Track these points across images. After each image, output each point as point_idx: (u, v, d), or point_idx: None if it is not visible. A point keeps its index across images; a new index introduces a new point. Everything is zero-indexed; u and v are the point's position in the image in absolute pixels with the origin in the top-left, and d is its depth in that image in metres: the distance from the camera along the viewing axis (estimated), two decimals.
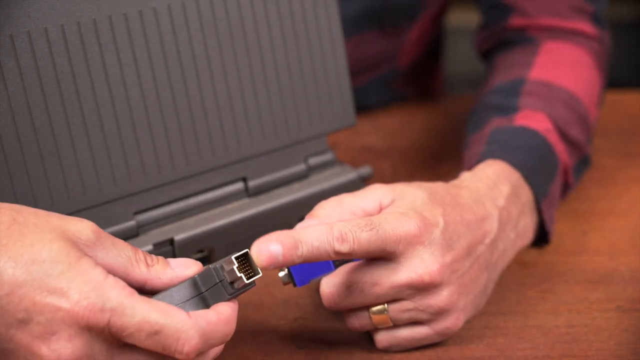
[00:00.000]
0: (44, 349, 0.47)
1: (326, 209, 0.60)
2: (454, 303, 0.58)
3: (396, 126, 0.94)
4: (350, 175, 0.70)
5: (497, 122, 0.74)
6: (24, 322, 0.47)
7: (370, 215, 0.59)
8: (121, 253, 0.51)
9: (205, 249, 0.64)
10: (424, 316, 0.58)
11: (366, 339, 0.62)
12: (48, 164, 0.58)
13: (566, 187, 0.75)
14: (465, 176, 0.66)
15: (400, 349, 0.60)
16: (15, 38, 0.56)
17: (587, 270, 0.70)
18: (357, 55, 0.88)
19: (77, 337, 0.47)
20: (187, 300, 0.51)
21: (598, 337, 0.62)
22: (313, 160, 0.70)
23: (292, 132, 0.68)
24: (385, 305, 0.58)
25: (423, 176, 0.82)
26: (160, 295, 0.51)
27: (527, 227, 0.67)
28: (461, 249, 0.59)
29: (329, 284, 0.58)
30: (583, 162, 0.77)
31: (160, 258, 0.52)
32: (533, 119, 0.73)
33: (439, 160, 0.87)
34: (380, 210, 0.59)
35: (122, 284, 0.48)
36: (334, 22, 0.69)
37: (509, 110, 0.75)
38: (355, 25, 0.89)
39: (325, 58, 0.69)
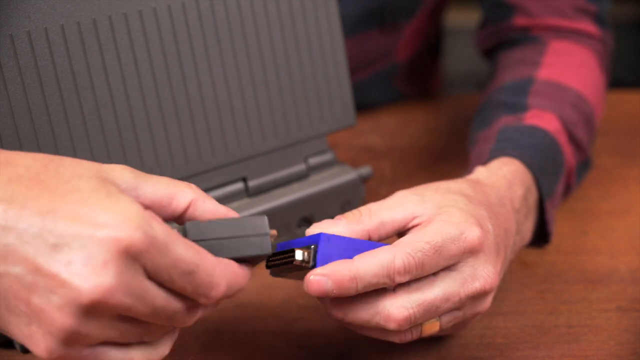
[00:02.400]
0: (75, 278, 0.43)
1: (355, 215, 0.56)
2: (490, 301, 0.58)
3: (396, 126, 0.94)
4: (350, 175, 0.70)
5: (506, 120, 0.74)
6: (56, 249, 0.44)
7: (401, 227, 0.56)
8: (160, 181, 0.49)
9: None
10: (465, 320, 0.57)
11: (366, 339, 0.62)
12: None
13: (568, 189, 0.75)
14: (481, 172, 0.65)
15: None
16: (15, 38, 0.56)
17: (587, 270, 0.70)
18: (356, 53, 0.88)
19: (113, 264, 0.44)
20: (225, 238, 0.49)
21: (598, 337, 0.62)
22: (313, 160, 0.70)
23: (292, 132, 0.68)
24: (438, 320, 0.56)
25: (423, 176, 0.82)
26: (198, 222, 0.49)
27: (528, 230, 0.67)
28: (502, 254, 0.59)
29: (400, 307, 0.54)
30: (584, 164, 0.77)
31: (198, 188, 0.51)
32: (543, 119, 0.73)
33: (439, 160, 0.87)
34: (412, 220, 0.56)
35: (160, 219, 0.46)
36: (334, 22, 0.69)
37: (518, 108, 0.75)
38: (355, 24, 0.89)
39: (325, 58, 0.69)
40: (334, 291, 0.51)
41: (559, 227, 0.75)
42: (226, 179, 0.66)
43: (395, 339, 0.55)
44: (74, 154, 0.59)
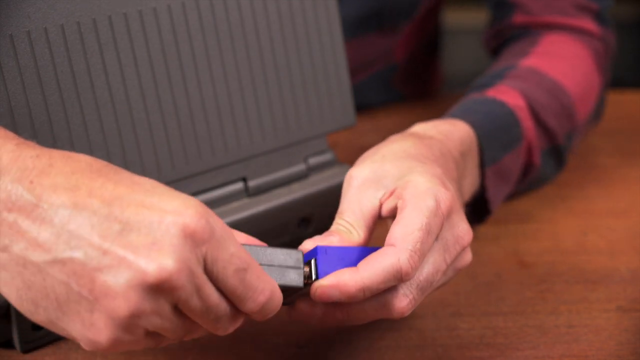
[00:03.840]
0: (142, 260, 0.44)
1: (344, 232, 0.57)
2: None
3: (396, 126, 0.94)
4: None
5: (470, 96, 0.75)
6: (122, 233, 0.45)
7: (376, 215, 0.57)
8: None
9: None
10: (450, 278, 0.58)
11: (367, 338, 0.62)
12: None
13: (530, 168, 0.74)
14: (419, 127, 0.66)
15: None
16: (15, 38, 0.56)
17: (587, 270, 0.70)
18: (355, 56, 0.88)
19: (179, 248, 0.44)
20: (261, 265, 0.51)
21: (598, 337, 0.62)
22: (313, 160, 0.70)
23: (292, 132, 0.68)
24: None
25: None
26: (249, 247, 0.50)
27: (466, 188, 0.67)
28: (462, 204, 0.60)
29: (401, 295, 0.54)
30: (554, 152, 0.77)
31: None
32: (505, 93, 0.74)
33: None
34: (381, 204, 0.57)
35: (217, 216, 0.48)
36: (334, 22, 0.69)
37: (486, 86, 0.76)
38: (354, 27, 0.89)
39: (325, 58, 0.69)
40: (342, 300, 0.52)
41: (559, 227, 0.75)
42: (226, 179, 0.66)
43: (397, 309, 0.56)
44: None
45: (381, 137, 0.90)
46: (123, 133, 0.61)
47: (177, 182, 0.64)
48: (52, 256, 0.45)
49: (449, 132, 0.66)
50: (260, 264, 0.51)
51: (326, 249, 0.53)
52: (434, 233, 0.54)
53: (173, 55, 0.62)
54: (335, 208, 0.70)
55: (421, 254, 0.53)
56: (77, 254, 0.45)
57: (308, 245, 0.55)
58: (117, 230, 0.45)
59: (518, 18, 0.86)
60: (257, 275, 0.47)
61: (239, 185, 0.67)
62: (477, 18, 0.91)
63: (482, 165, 0.69)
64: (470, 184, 0.68)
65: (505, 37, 0.88)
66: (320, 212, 0.69)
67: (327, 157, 0.70)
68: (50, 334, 0.60)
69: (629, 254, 0.72)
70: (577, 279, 0.69)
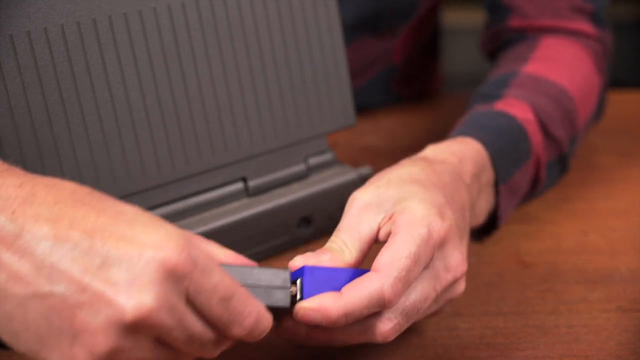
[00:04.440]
0: (121, 297, 0.44)
1: (337, 251, 0.57)
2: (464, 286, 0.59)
3: (396, 126, 0.94)
4: (350, 175, 0.70)
5: (478, 108, 0.75)
6: (102, 268, 0.44)
7: (373, 239, 0.57)
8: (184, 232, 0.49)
9: None
10: (440, 308, 0.58)
11: None
12: (48, 164, 0.58)
13: (536, 183, 0.74)
14: (430, 150, 0.66)
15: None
16: (15, 38, 0.56)
17: (587, 270, 0.70)
18: (353, 59, 0.88)
19: (158, 284, 0.44)
20: (248, 285, 0.51)
21: (598, 337, 0.62)
22: (313, 160, 0.70)
23: (292, 132, 0.68)
24: None
25: None
26: (225, 266, 0.50)
27: (480, 209, 0.67)
28: (464, 235, 0.59)
29: (385, 319, 0.54)
30: (559, 161, 0.77)
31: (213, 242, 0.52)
32: (513, 106, 0.73)
33: None
34: (379, 229, 0.57)
35: (201, 243, 0.48)
36: (334, 22, 0.69)
37: (492, 97, 0.76)
38: (351, 31, 0.89)
39: (325, 58, 0.69)
40: (324, 324, 0.52)
41: (559, 227, 0.75)
42: (226, 179, 0.66)
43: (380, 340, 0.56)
44: (74, 154, 0.59)
45: (381, 137, 0.89)
46: (123, 133, 0.61)
47: (177, 182, 0.64)
48: (32, 290, 0.44)
49: (462, 153, 0.66)
50: (247, 285, 0.50)
51: (313, 269, 0.53)
52: (423, 262, 0.54)
53: (173, 55, 0.62)
54: (335, 208, 0.70)
55: (406, 282, 0.53)
56: (58, 289, 0.44)
57: (298, 262, 0.55)
58: (98, 265, 0.44)
59: (514, 21, 0.86)
60: (242, 300, 0.47)
61: (239, 185, 0.67)
62: (476, 18, 0.91)
63: (496, 183, 0.68)
64: (486, 203, 0.68)
65: (501, 40, 0.88)
66: (320, 212, 0.69)
67: (327, 157, 0.70)
68: None
69: (630, 254, 0.72)
70: (577, 279, 0.69)
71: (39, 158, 0.58)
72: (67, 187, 0.47)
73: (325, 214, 0.70)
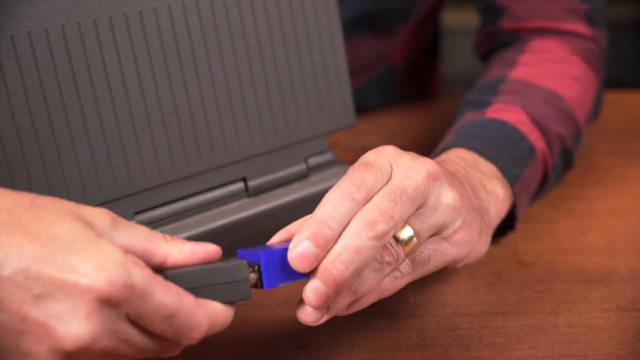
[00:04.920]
0: (60, 328, 0.45)
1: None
2: (461, 203, 0.57)
3: (396, 126, 0.94)
4: None
5: (469, 116, 0.74)
6: (40, 299, 0.45)
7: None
8: (137, 232, 0.50)
9: None
10: (439, 219, 0.56)
11: (367, 338, 0.62)
12: (48, 164, 0.58)
13: (545, 180, 0.74)
14: None
15: (423, 275, 0.58)
16: (16, 38, 0.56)
17: (587, 270, 0.70)
18: (352, 58, 0.88)
19: (95, 314, 0.46)
20: (205, 286, 0.51)
21: (598, 337, 0.62)
22: (313, 160, 0.70)
23: (292, 132, 0.68)
24: (409, 227, 0.55)
25: None
26: (178, 272, 0.50)
27: (497, 192, 0.66)
28: (450, 169, 0.60)
29: (371, 206, 0.53)
30: (564, 156, 0.76)
31: (175, 237, 0.52)
32: (504, 112, 0.73)
33: None
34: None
35: (142, 263, 0.48)
36: (334, 22, 0.69)
37: (483, 104, 0.75)
38: (349, 29, 0.89)
39: (325, 58, 0.69)
40: (316, 247, 0.51)
41: (558, 227, 0.75)
42: (226, 179, 0.66)
43: (387, 260, 0.54)
44: (74, 154, 0.59)
45: (381, 137, 0.90)
46: (123, 133, 0.61)
47: (177, 182, 0.64)
48: None
49: (447, 155, 0.67)
50: (205, 285, 0.50)
51: (269, 254, 0.52)
52: (377, 168, 0.54)
53: (173, 55, 0.62)
54: None
55: (361, 177, 0.53)
56: (2, 317, 0.46)
57: (276, 238, 0.55)
58: (35, 295, 0.45)
59: (506, 23, 0.85)
60: (187, 315, 0.48)
61: (239, 185, 0.67)
62: (476, 18, 0.91)
63: (508, 179, 0.68)
64: (503, 190, 0.67)
65: (494, 42, 0.87)
66: None
67: (327, 157, 0.70)
68: None
69: (629, 254, 0.72)
70: (576, 278, 0.69)
71: (39, 158, 0.58)
72: (4, 206, 0.47)
73: None
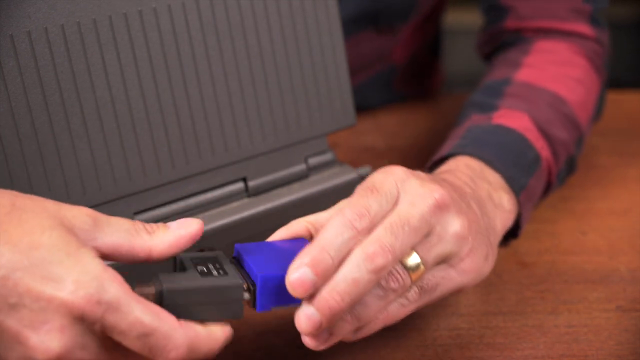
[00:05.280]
0: (33, 338, 0.46)
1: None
2: (468, 231, 0.56)
3: (396, 126, 0.94)
4: (350, 175, 0.70)
5: (476, 119, 0.74)
6: (15, 308, 0.46)
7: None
8: (120, 228, 0.50)
9: (205, 249, 0.64)
10: (446, 248, 0.56)
11: (367, 338, 0.62)
12: (48, 164, 0.58)
13: (549, 187, 0.74)
14: (423, 173, 0.65)
15: (430, 302, 0.58)
16: (16, 38, 0.56)
17: (587, 270, 0.70)
18: (352, 55, 0.88)
19: (68, 328, 0.46)
20: (200, 304, 0.51)
21: (598, 337, 0.62)
22: (313, 160, 0.70)
23: (292, 132, 0.68)
24: (416, 253, 0.54)
25: None
26: (174, 289, 0.50)
27: (503, 203, 0.66)
28: (453, 186, 0.59)
29: (373, 239, 0.52)
30: (567, 161, 0.76)
31: (160, 224, 0.52)
32: (511, 118, 0.73)
33: None
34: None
35: (120, 279, 0.48)
36: (334, 22, 0.69)
37: (489, 108, 0.75)
38: (350, 26, 0.89)
39: (325, 58, 0.69)
40: (315, 275, 0.50)
41: (558, 227, 0.75)
42: (226, 179, 0.66)
43: (393, 288, 0.54)
44: (74, 154, 0.59)
45: (381, 137, 0.90)
46: (123, 133, 0.61)
47: (177, 182, 0.64)
48: None
49: (455, 165, 0.66)
50: (199, 303, 0.50)
51: (266, 278, 0.52)
52: (383, 193, 0.53)
53: (173, 55, 0.62)
54: None
55: (365, 205, 0.52)
56: None
57: (276, 235, 0.55)
58: (10, 304, 0.46)
59: (510, 23, 0.85)
60: (164, 335, 0.48)
61: (239, 185, 0.67)
62: (477, 18, 0.91)
63: (513, 189, 0.68)
64: (509, 200, 0.67)
65: (497, 42, 0.87)
66: (320, 212, 0.69)
67: (327, 157, 0.70)
68: None
69: (629, 254, 0.72)
70: (577, 279, 0.69)
71: (39, 158, 0.58)
72: None
73: None
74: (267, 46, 0.66)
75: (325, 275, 0.51)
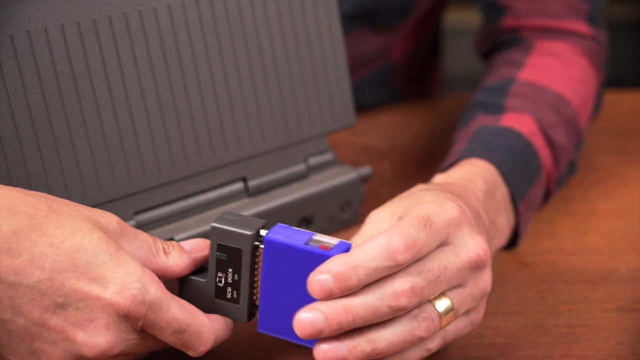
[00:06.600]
0: (79, 335, 0.49)
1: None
2: (490, 285, 0.57)
3: (396, 126, 0.94)
4: (350, 175, 0.70)
5: (482, 120, 0.74)
6: (62, 307, 0.49)
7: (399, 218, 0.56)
8: (143, 244, 0.53)
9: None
10: (473, 303, 0.56)
11: None
12: (48, 164, 0.58)
13: (547, 195, 0.74)
14: (438, 178, 0.65)
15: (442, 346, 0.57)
16: (15, 38, 0.56)
17: (587, 270, 0.70)
18: (350, 52, 0.88)
19: (114, 326, 0.50)
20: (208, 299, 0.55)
21: (598, 337, 0.62)
22: (313, 160, 0.70)
23: (292, 132, 0.68)
24: (450, 300, 0.54)
25: (423, 176, 0.82)
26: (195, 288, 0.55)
27: (502, 226, 0.66)
28: (483, 231, 0.59)
29: (403, 280, 0.51)
30: (568, 166, 0.76)
31: (175, 244, 0.55)
32: (519, 121, 0.73)
33: (439, 160, 0.86)
34: None
35: (157, 279, 0.51)
36: (334, 22, 0.69)
37: (495, 109, 0.75)
38: (347, 23, 0.89)
39: (325, 58, 0.69)
40: (337, 288, 0.50)
41: (558, 227, 0.75)
42: (226, 179, 0.66)
43: (424, 334, 0.52)
44: (74, 154, 0.59)
45: (381, 137, 0.90)
46: (123, 133, 0.61)
47: (177, 182, 0.64)
48: None
49: (470, 174, 0.65)
50: (210, 299, 0.55)
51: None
52: (436, 231, 0.53)
53: (173, 55, 0.62)
54: (335, 208, 0.70)
55: (415, 239, 0.51)
56: (19, 320, 0.49)
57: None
58: (57, 304, 0.49)
59: (508, 21, 0.85)
60: (197, 330, 0.52)
61: (239, 185, 0.67)
62: (477, 18, 0.91)
63: (514, 201, 0.67)
64: (507, 219, 0.67)
65: (495, 40, 0.87)
66: (320, 212, 0.69)
67: (327, 157, 0.70)
68: None
69: (629, 254, 0.72)
70: (577, 279, 0.69)
71: (39, 158, 0.58)
72: (23, 211, 0.49)
73: (325, 214, 0.70)
74: (267, 46, 0.66)
75: (345, 291, 0.51)
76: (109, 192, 0.61)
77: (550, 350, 0.61)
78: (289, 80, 0.67)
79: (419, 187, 0.61)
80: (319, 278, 0.51)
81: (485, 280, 0.56)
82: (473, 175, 0.65)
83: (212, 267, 0.55)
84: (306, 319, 0.51)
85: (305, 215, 0.69)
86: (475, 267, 0.55)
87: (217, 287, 0.55)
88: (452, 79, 1.29)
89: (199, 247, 0.55)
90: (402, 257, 0.51)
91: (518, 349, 0.61)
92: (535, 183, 0.70)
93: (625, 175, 0.84)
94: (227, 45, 0.64)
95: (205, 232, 0.64)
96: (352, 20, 0.89)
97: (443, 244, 0.54)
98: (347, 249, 0.52)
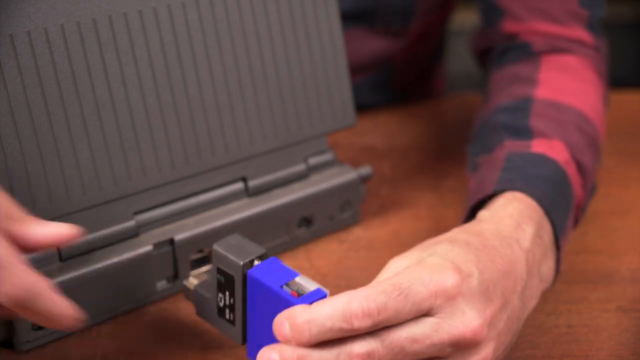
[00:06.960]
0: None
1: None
2: (494, 354, 0.54)
3: (396, 126, 0.94)
4: (350, 175, 0.70)
5: (510, 145, 0.70)
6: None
7: None
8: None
9: (205, 249, 0.64)
10: None
11: None
12: (48, 164, 0.58)
13: (575, 222, 0.71)
14: (484, 215, 0.61)
15: None
16: (15, 38, 0.56)
17: (587, 270, 0.70)
18: (348, 51, 0.87)
19: None
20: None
21: (598, 337, 0.62)
22: (313, 160, 0.70)
23: (292, 132, 0.68)
24: None
25: (423, 176, 0.82)
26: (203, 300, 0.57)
27: (549, 270, 0.63)
28: (498, 300, 0.54)
29: (363, 343, 0.50)
30: (591, 190, 0.74)
31: (33, 218, 0.51)
32: (551, 148, 0.69)
33: (439, 160, 0.86)
34: None
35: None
36: (334, 22, 0.69)
37: (522, 132, 0.71)
38: (345, 22, 0.88)
39: (325, 58, 0.69)
40: (292, 338, 0.49)
41: None
42: (226, 179, 0.66)
43: None
44: (74, 154, 0.59)
45: (381, 137, 0.89)
46: (123, 133, 0.61)
47: (177, 182, 0.64)
48: None
49: (519, 215, 0.62)
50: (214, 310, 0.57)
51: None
52: (414, 301, 0.50)
53: (173, 55, 0.62)
54: (335, 208, 0.70)
55: (381, 307, 0.49)
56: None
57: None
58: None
59: (507, 25, 0.83)
60: (9, 269, 0.47)
61: (239, 185, 0.67)
62: (477, 18, 0.91)
63: (556, 238, 0.64)
64: (553, 262, 0.64)
65: (492, 43, 0.85)
66: (320, 212, 0.69)
67: (327, 157, 0.70)
68: (49, 334, 0.59)
69: (629, 254, 0.72)
70: (577, 279, 0.69)
71: (39, 158, 0.58)
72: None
73: (325, 214, 0.70)
74: (267, 46, 0.66)
75: (299, 343, 0.49)
76: (109, 192, 0.61)
77: (550, 350, 0.61)
78: (289, 80, 0.67)
79: (451, 234, 0.58)
80: (279, 322, 0.50)
81: (476, 358, 0.53)
82: (522, 216, 0.61)
83: (214, 286, 0.55)
84: (266, 356, 0.50)
85: (305, 215, 0.69)
86: (459, 345, 0.52)
87: (218, 306, 0.56)
88: (452, 79, 1.29)
89: (62, 226, 0.51)
90: (358, 323, 0.49)
91: (518, 349, 0.61)
92: (570, 214, 0.67)
93: (626, 176, 0.84)
94: (227, 45, 0.64)
95: (205, 232, 0.64)
96: (349, 19, 0.89)
97: (426, 314, 0.51)
98: (320, 298, 0.51)
